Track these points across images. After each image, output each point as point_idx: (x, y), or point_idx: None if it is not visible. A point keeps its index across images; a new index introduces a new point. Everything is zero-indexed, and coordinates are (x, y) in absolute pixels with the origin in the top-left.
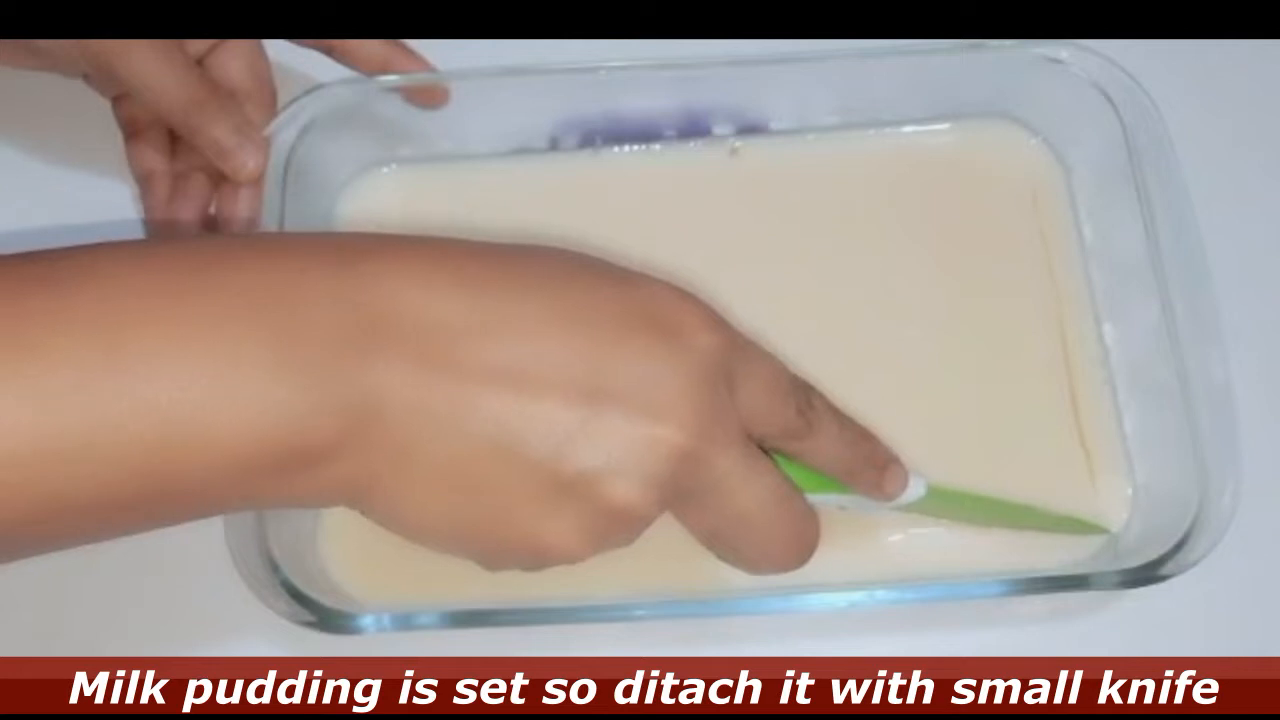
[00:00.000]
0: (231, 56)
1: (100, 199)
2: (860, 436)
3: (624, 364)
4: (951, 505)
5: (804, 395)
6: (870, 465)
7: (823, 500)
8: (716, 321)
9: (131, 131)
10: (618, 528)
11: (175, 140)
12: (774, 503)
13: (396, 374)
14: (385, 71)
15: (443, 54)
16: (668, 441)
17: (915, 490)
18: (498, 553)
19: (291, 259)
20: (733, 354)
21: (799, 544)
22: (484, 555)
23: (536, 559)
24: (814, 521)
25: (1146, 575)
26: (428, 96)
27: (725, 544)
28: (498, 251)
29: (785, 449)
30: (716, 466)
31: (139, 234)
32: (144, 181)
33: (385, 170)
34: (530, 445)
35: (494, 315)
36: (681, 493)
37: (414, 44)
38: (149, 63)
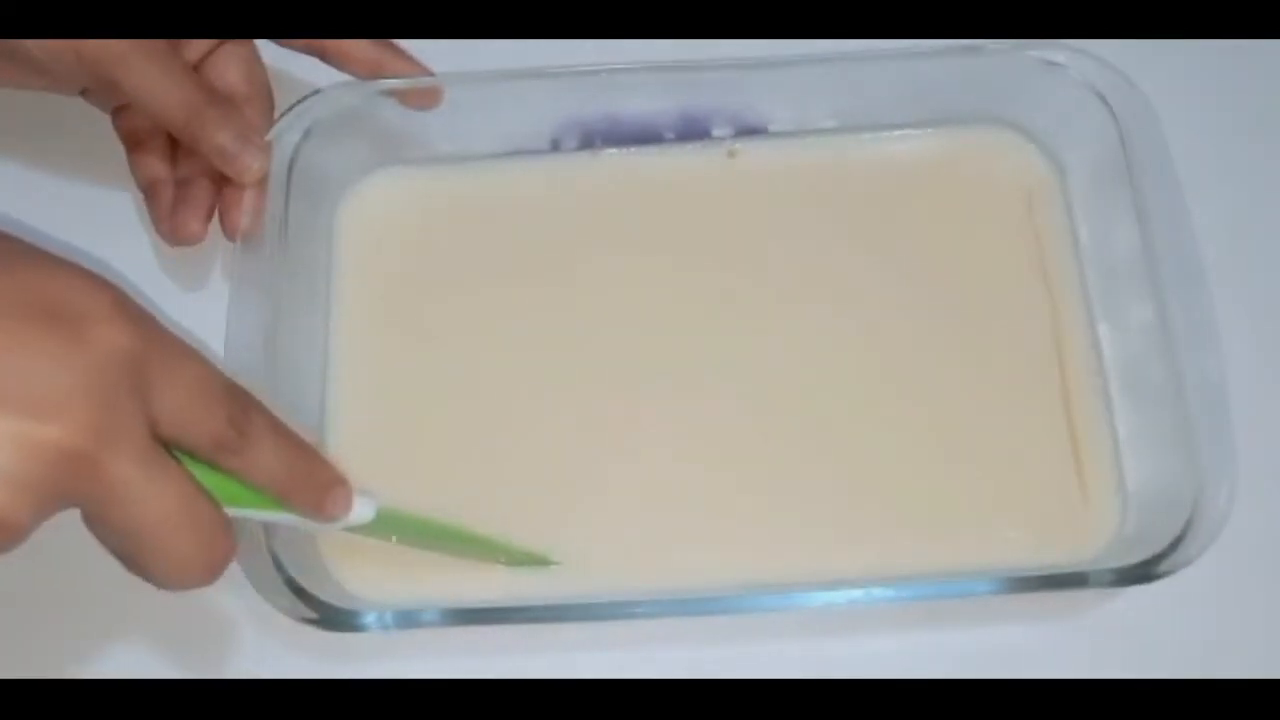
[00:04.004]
0: (228, 62)
1: (105, 211)
2: (301, 455)
3: (4, 357)
4: (408, 530)
5: (239, 406)
6: (310, 486)
7: (259, 516)
8: (131, 315)
9: (133, 143)
10: None
11: (176, 148)
12: (177, 516)
13: None
14: (378, 72)
15: (442, 55)
16: (46, 443)
17: (362, 514)
18: None
19: None
20: (148, 352)
21: (206, 559)
22: None
23: None
24: (226, 536)
25: (1143, 573)
26: (421, 98)
27: (127, 557)
28: None
29: (216, 462)
30: (111, 473)
31: (145, 242)
32: (148, 190)
33: (387, 172)
34: None
35: None
36: (68, 499)
37: (413, 45)
38: (149, 71)
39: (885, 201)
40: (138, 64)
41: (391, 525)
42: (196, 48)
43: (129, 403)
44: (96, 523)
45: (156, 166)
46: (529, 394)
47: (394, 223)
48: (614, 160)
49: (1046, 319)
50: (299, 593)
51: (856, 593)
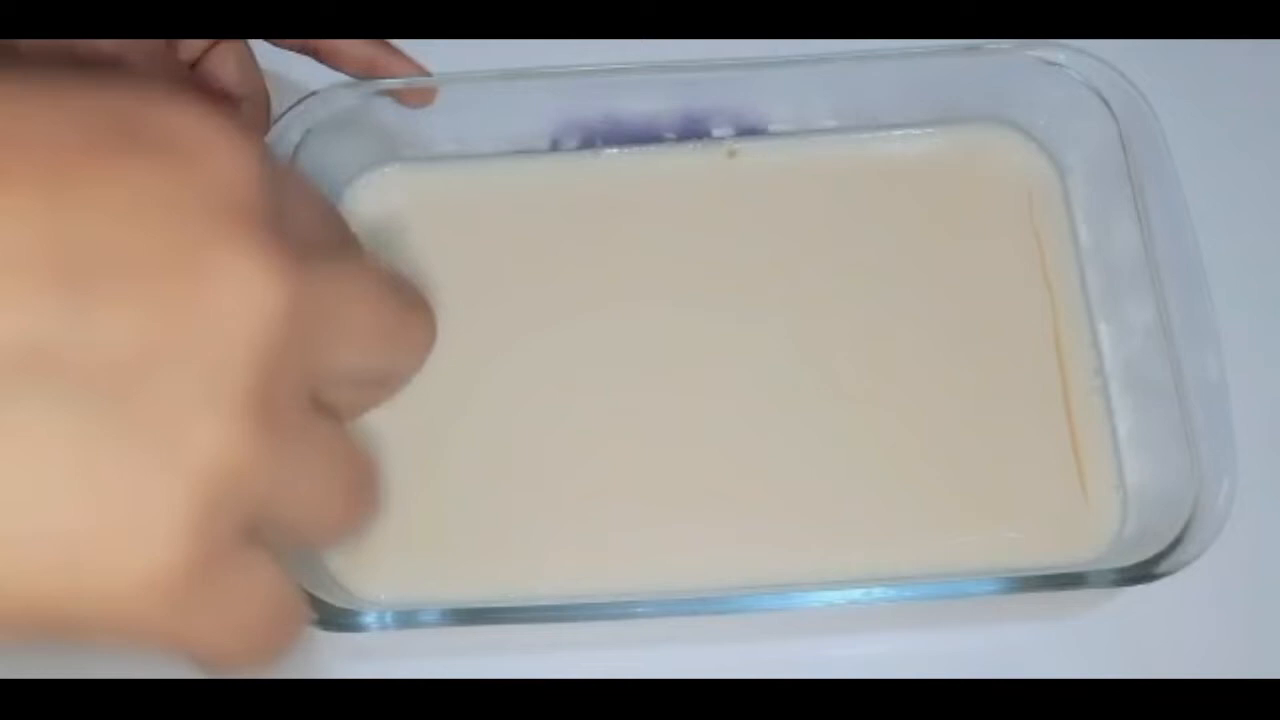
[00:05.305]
0: (224, 62)
1: None
2: None
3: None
4: None
5: None
6: None
7: None
8: None
9: None
10: None
11: None
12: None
13: None
14: (371, 71)
15: (443, 55)
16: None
17: None
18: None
19: None
20: None
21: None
22: None
23: None
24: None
25: (1143, 573)
26: (415, 96)
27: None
28: None
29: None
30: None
31: None
32: None
33: (387, 172)
34: None
35: None
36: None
37: (414, 45)
38: (143, 69)
39: (885, 201)
40: (133, 65)
41: None
42: (191, 48)
43: None
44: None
45: None
46: (528, 393)
47: (394, 222)
48: (614, 160)
49: (1046, 318)
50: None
51: (856, 593)
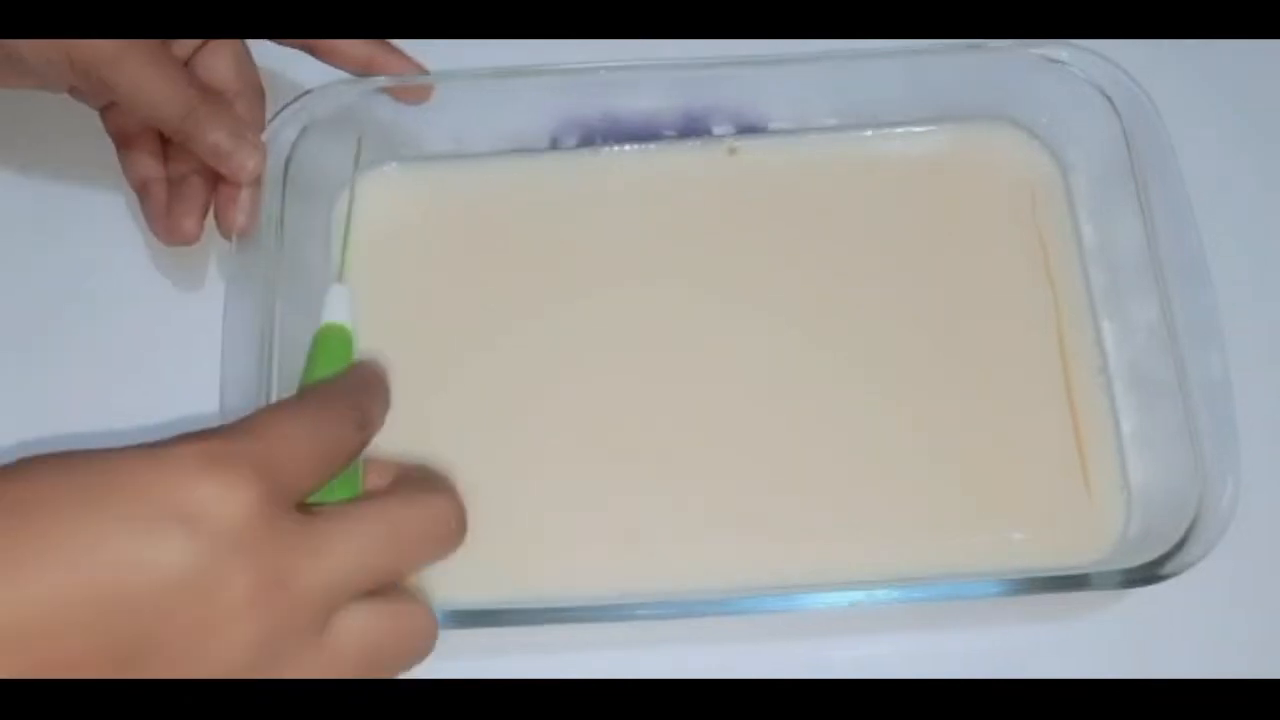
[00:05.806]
0: (218, 58)
1: (99, 211)
2: None
3: None
4: None
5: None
6: None
7: None
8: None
9: (123, 141)
10: None
11: (167, 145)
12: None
13: None
14: (369, 69)
15: (443, 54)
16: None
17: None
18: None
19: None
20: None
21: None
22: None
23: None
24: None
25: (1147, 575)
26: (412, 93)
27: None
28: None
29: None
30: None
31: (141, 243)
32: (141, 190)
33: (386, 169)
34: None
35: None
36: None
37: (415, 44)
38: (140, 69)
39: (887, 199)
40: (130, 65)
41: None
42: (185, 44)
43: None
44: None
45: (148, 165)
46: (529, 392)
47: (392, 221)
48: (614, 158)
49: (1050, 317)
50: None
51: (859, 594)
